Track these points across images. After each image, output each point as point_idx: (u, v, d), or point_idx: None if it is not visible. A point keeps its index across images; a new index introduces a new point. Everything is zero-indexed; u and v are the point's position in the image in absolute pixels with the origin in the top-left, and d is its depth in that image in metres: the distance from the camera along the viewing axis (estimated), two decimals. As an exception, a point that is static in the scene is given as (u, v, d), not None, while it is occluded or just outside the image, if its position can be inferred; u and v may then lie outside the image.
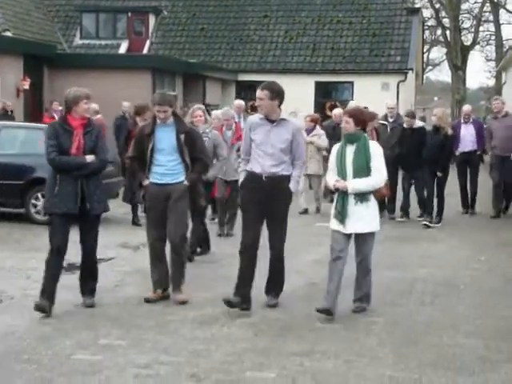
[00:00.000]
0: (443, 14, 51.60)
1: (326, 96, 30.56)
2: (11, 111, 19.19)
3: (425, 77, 57.02)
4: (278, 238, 7.44)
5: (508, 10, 51.02)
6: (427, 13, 50.80)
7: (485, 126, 15.52)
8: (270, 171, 7.31)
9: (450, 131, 13.26)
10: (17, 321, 6.89)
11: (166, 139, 7.61)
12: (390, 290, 8.41)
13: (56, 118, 17.90)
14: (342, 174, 7.11)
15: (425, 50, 50.77)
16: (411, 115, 13.90)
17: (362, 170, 7.04)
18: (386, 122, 14.09)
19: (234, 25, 32.73)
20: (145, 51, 32.39)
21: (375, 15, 31.76)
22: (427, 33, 53.06)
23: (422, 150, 13.16)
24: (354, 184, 7.03)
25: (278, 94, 7.30)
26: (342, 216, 7.08)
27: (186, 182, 7.68)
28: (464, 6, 51.88)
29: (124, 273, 9.04)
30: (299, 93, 27.34)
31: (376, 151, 7.16)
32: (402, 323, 7.10)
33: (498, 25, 49.67)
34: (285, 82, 32.60)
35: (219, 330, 6.72)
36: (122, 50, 32.49)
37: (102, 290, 7.66)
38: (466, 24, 54.54)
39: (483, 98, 71.86)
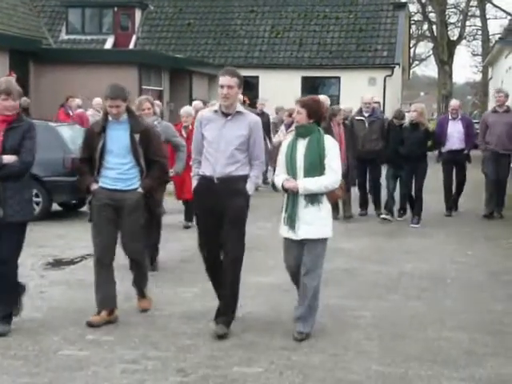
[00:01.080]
0: (430, 8, 51.72)
1: (312, 91, 30.54)
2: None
3: (411, 72, 57.28)
4: (232, 248, 6.42)
5: (494, 5, 51.13)
6: (413, 7, 50.98)
7: (475, 121, 15.40)
8: (222, 172, 6.40)
9: (430, 127, 12.89)
10: (3, 317, 6.86)
11: (118, 139, 6.70)
12: (377, 285, 8.44)
13: (71, 114, 17.69)
14: (291, 171, 6.31)
15: (411, 45, 50.94)
16: (400, 117, 13.25)
17: (315, 167, 6.24)
18: (362, 118, 13.67)
19: (220, 20, 32.70)
20: (131, 46, 32.33)
21: (362, 10, 31.81)
22: (414, 28, 53.27)
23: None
24: (305, 184, 6.21)
25: (242, 82, 6.46)
26: (292, 220, 6.29)
27: (140, 189, 6.78)
28: (450, 1, 52.09)
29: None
30: (286, 88, 27.41)
31: (331, 147, 6.31)
32: (389, 317, 7.12)
33: (484, 19, 49.76)
34: (271, 77, 32.68)
35: (207, 326, 6.72)
36: (108, 45, 32.42)
37: (88, 286, 7.63)
38: (453, 19, 54.73)
39: (470, 92, 72.13)
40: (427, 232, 12.05)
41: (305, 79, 30.25)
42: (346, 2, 32.16)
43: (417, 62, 63.57)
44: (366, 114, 13.72)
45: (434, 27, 51.03)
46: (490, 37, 48.69)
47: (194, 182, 6.63)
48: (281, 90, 27.15)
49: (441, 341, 6.39)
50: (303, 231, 6.29)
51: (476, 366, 5.76)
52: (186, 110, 12.30)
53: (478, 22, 53.33)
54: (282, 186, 6.33)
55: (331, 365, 5.75)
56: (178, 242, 10.61)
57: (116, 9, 33.23)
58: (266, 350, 6.05)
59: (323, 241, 6.42)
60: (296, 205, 6.30)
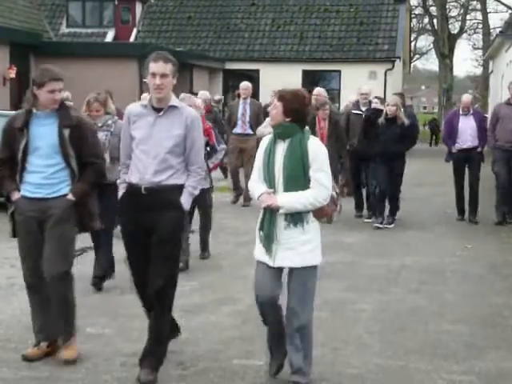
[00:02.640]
0: (430, 2, 51.68)
1: (313, 85, 30.50)
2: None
3: (412, 65, 57.18)
4: (159, 275, 5.24)
5: (495, -1, 51.06)
6: (414, 1, 50.96)
7: (486, 115, 14.71)
8: (151, 180, 5.24)
9: (406, 121, 11.55)
10: (3, 310, 6.87)
11: (44, 135, 5.52)
12: (377, 278, 8.43)
13: None
14: (268, 182, 5.03)
15: (412, 39, 50.87)
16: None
17: (296, 179, 4.96)
18: (360, 112, 12.71)
19: (221, 13, 32.63)
20: (131, 39, 32.27)
21: (362, 3, 31.73)
22: (414, 21, 53.22)
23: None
24: (286, 200, 4.93)
25: (177, 70, 5.40)
26: (269, 242, 5.03)
27: (70, 196, 5.56)
28: (451, -5, 51.93)
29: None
30: (287, 81, 27.16)
31: (318, 153, 4.99)
32: (389, 311, 7.12)
33: (485, 13, 49.74)
34: (272, 70, 32.70)
35: (207, 319, 6.72)
36: (109, 38, 32.37)
37: (86, 279, 7.63)
38: (454, 12, 54.73)
39: (470, 86, 72.06)
40: (427, 225, 12.05)
41: (305, 73, 30.18)
42: (346, -5, 32.08)
43: (417, 56, 63.57)
44: (364, 108, 12.82)
45: (435, 21, 50.98)
46: (491, 30, 48.66)
47: (121, 191, 5.48)
48: (281, 83, 26.63)
49: (441, 334, 6.39)
50: (282, 258, 5.02)
51: (476, 359, 5.76)
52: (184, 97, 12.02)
53: (478, 15, 53.37)
54: (259, 200, 5.07)
55: (331, 358, 5.75)
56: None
57: (116, 2, 33.16)
58: (265, 343, 6.03)
59: (311, 270, 5.12)
60: (274, 224, 5.02)
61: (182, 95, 8.79)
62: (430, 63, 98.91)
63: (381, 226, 11.59)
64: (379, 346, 6.08)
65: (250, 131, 13.85)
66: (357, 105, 13.15)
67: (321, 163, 4.99)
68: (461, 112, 12.51)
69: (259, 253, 5.15)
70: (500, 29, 30.95)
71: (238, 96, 17.38)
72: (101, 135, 7.33)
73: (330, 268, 8.90)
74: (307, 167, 4.95)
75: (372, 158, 12.02)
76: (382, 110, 11.73)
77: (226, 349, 5.91)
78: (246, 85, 14.63)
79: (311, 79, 30.01)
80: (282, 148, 5.02)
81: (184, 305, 7.14)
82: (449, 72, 51.07)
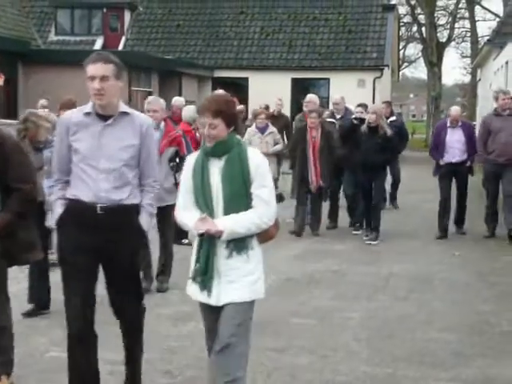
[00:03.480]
0: (419, 10, 51.83)
1: (302, 93, 30.60)
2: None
3: (401, 73, 57.38)
4: (128, 309, 4.87)
5: (483, 7, 51.41)
6: (403, 9, 51.12)
7: (475, 124, 14.26)
8: (108, 199, 4.58)
9: (388, 132, 11.12)
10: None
11: None
12: (366, 286, 8.45)
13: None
14: (204, 205, 4.27)
15: (400, 47, 51.10)
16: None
17: (238, 199, 4.24)
18: (333, 120, 12.49)
19: (210, 21, 32.69)
20: (120, 47, 32.28)
21: (351, 12, 31.86)
22: (403, 29, 53.42)
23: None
24: (227, 224, 4.18)
25: (122, 71, 4.72)
26: (207, 277, 4.26)
27: None
28: (439, 3, 52.19)
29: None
30: (276, 89, 27.37)
31: (260, 166, 4.27)
32: (377, 318, 7.13)
33: (473, 21, 49.98)
34: (261, 78, 32.67)
35: (195, 327, 6.71)
36: (98, 46, 32.36)
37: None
38: (442, 21, 54.92)
39: (459, 94, 72.39)
40: (415, 233, 12.08)
41: (294, 81, 30.26)
42: (335, 3, 32.19)
43: (406, 64, 63.78)
44: (338, 116, 12.67)
45: (423, 29, 51.14)
46: (479, 39, 48.90)
47: (58, 209, 4.70)
48: (271, 91, 27.12)
49: (428, 342, 6.41)
50: (225, 294, 4.25)
51: (463, 367, 5.78)
52: (152, 100, 11.17)
53: (466, 23, 53.64)
54: (197, 229, 4.22)
55: (320, 366, 5.76)
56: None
57: (105, 10, 33.17)
58: (254, 351, 6.01)
59: (251, 304, 4.39)
60: (214, 254, 4.26)
61: (150, 98, 8.23)
62: (418, 71, 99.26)
63: (374, 242, 11.10)
64: (367, 353, 6.09)
65: None
66: (332, 113, 13.04)
67: (263, 178, 4.27)
68: (449, 124, 11.93)
69: (195, 292, 4.37)
70: (488, 37, 31.11)
71: None
72: (47, 152, 6.86)
73: (318, 275, 8.93)
74: (249, 184, 4.24)
75: (351, 168, 11.83)
76: (364, 119, 11.35)
77: (215, 357, 5.90)
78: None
79: (300, 87, 30.10)
80: (217, 166, 4.26)
81: (172, 313, 7.14)
82: (437, 80, 51.22)
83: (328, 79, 30.17)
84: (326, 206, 12.58)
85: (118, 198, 4.61)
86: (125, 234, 4.64)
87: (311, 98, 12.85)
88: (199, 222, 4.20)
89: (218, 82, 30.66)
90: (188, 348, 6.11)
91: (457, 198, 12.17)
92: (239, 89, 30.05)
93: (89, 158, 4.58)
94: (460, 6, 52.26)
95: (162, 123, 7.98)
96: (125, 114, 4.67)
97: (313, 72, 30.35)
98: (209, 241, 4.25)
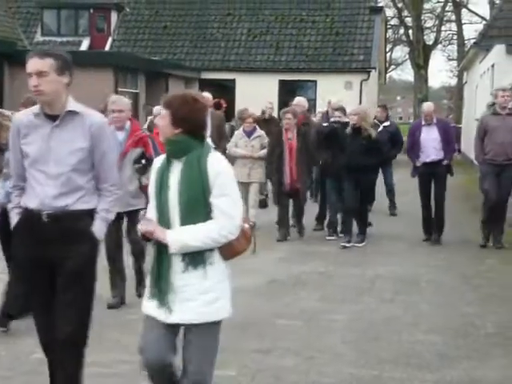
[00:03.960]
0: (406, 13, 52.02)
1: (289, 95, 30.63)
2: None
3: (388, 76, 57.51)
4: (71, 321, 4.38)
5: (470, 10, 51.82)
6: (390, 12, 51.25)
7: (452, 125, 14.07)
8: (54, 205, 4.30)
9: (373, 133, 10.95)
10: (-25, 320, 6.80)
11: None
12: (352, 288, 8.46)
13: None
14: (161, 214, 3.95)
15: (387, 49, 51.23)
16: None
17: (195, 208, 3.87)
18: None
19: (196, 22, 32.67)
20: (107, 48, 32.22)
21: (338, 14, 31.92)
22: (390, 32, 53.56)
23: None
24: (178, 236, 3.85)
25: (67, 66, 4.41)
26: (161, 291, 3.94)
27: None
28: (426, 6, 52.38)
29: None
30: (263, 91, 27.44)
31: (220, 173, 3.92)
32: (363, 320, 7.14)
33: (459, 24, 50.22)
34: (248, 80, 32.65)
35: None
36: (84, 47, 32.28)
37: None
38: (429, 23, 55.11)
39: (445, 96, 72.67)
40: (401, 235, 12.10)
41: (282, 83, 30.28)
42: (322, 5, 32.24)
43: (393, 67, 63.93)
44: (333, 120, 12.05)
45: (410, 32, 51.32)
46: (466, 41, 49.13)
47: (14, 218, 4.50)
48: (258, 93, 27.16)
49: (414, 344, 6.42)
50: (178, 312, 3.91)
51: (449, 369, 5.80)
52: (116, 100, 10.52)
53: (453, 26, 53.86)
54: (145, 233, 3.95)
55: (305, 368, 5.75)
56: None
57: (92, 10, 33.08)
58: (239, 353, 6.04)
59: (215, 326, 4.04)
60: (169, 267, 3.93)
61: (114, 97, 7.69)
62: (405, 74, 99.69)
63: (348, 245, 10.85)
64: (353, 355, 6.09)
65: (212, 145, 13.22)
66: (327, 118, 12.72)
67: (224, 186, 3.88)
68: (423, 122, 11.48)
69: (149, 305, 4.01)
70: (474, 40, 31.23)
71: (214, 106, 17.05)
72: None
73: (304, 277, 8.94)
74: (208, 192, 3.86)
75: (336, 172, 11.37)
76: (345, 122, 11.12)
77: (200, 359, 5.89)
78: (207, 97, 13.60)
79: (288, 89, 30.13)
80: (176, 169, 3.94)
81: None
82: (424, 82, 51.39)
83: (315, 81, 30.20)
84: (314, 208, 12.63)
85: (63, 204, 4.32)
86: (73, 242, 4.34)
87: (299, 100, 12.72)
88: (143, 225, 3.93)
89: (205, 84, 30.66)
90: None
91: (434, 201, 11.56)
92: (226, 90, 30.04)
93: (38, 162, 4.33)
94: (447, 8, 52.57)
95: (128, 123, 7.57)
96: (73, 113, 4.36)
97: (300, 74, 30.38)
98: (163, 253, 3.92)
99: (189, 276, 3.90)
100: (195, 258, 3.90)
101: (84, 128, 4.35)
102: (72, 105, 4.39)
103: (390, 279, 8.97)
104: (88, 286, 4.50)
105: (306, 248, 10.81)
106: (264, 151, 12.04)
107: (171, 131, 3.94)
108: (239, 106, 22.78)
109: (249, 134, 12.32)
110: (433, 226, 11.56)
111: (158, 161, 4.12)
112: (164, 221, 3.93)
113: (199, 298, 3.91)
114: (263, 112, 15.17)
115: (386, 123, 14.50)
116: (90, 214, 4.43)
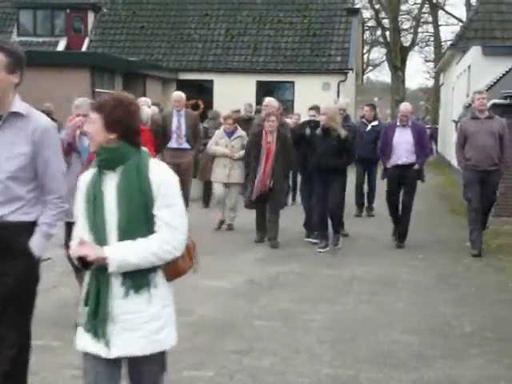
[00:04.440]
0: (383, 14, 52.27)
1: (267, 96, 30.60)
2: None
3: (365, 77, 57.81)
4: (10, 342, 4.03)
5: (447, 12, 51.94)
6: (367, 13, 51.51)
7: (427, 126, 13.82)
8: None
9: (343, 133, 10.51)
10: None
11: None
12: (329, 288, 8.48)
13: None
14: (96, 231, 3.47)
15: (365, 51, 51.45)
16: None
17: (136, 223, 3.43)
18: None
19: (174, 23, 32.59)
20: (84, 49, 32.05)
21: (316, 15, 31.97)
22: (367, 33, 53.87)
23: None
24: (116, 252, 3.39)
25: (19, 65, 4.01)
26: (98, 322, 3.45)
27: None
28: (403, 7, 52.68)
29: (61, 273, 8.91)
30: (241, 92, 27.44)
31: (164, 182, 3.48)
32: (340, 321, 7.16)
33: (436, 26, 50.53)
34: (226, 81, 32.58)
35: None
36: (61, 47, 32.09)
37: (39, 291, 7.53)
38: (406, 25, 55.41)
39: (422, 98, 73.02)
40: (379, 236, 12.14)
41: (259, 84, 30.27)
42: (300, 7, 32.28)
43: (370, 68, 64.22)
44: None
45: (387, 33, 51.60)
46: (442, 43, 49.45)
47: None
48: (235, 94, 27.16)
49: (391, 344, 6.44)
50: (120, 344, 3.45)
51: (425, 368, 5.82)
52: (80, 103, 10.87)
53: (430, 28, 54.19)
54: (76, 254, 3.42)
55: (282, 368, 5.76)
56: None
57: (68, 11, 32.89)
58: (217, 354, 6.03)
59: (160, 357, 3.59)
60: (106, 293, 3.44)
61: (79, 101, 6.96)
62: (382, 75, 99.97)
63: (323, 250, 10.56)
64: (330, 355, 6.10)
65: (187, 145, 12.68)
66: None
67: (168, 196, 3.46)
68: (398, 123, 11.14)
69: (84, 340, 3.54)
70: (451, 42, 31.44)
71: (192, 107, 17.02)
72: None
73: (282, 278, 8.95)
74: (150, 204, 3.44)
75: (305, 175, 11.32)
76: (317, 121, 10.83)
77: (177, 360, 5.86)
78: (178, 95, 13.05)
79: (265, 90, 30.15)
80: (112, 181, 3.48)
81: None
82: (401, 84, 51.69)
83: (293, 82, 30.23)
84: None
85: None
86: (9, 258, 3.95)
87: (270, 101, 12.42)
88: (79, 247, 3.39)
89: (183, 85, 30.62)
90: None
91: (402, 206, 11.22)
92: (204, 91, 30.00)
93: None
94: (423, 10, 52.85)
95: None
96: (18, 114, 3.96)
97: (278, 75, 30.39)
98: (98, 275, 3.42)
99: (130, 302, 3.42)
100: (137, 280, 3.42)
101: (27, 132, 3.95)
102: (18, 106, 3.99)
103: (367, 280, 8.99)
104: (26, 307, 4.10)
105: (283, 249, 10.81)
106: (243, 152, 11.99)
107: (105, 137, 3.49)
108: (217, 106, 22.81)
109: (229, 134, 12.27)
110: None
111: (86, 175, 3.60)
112: (99, 242, 3.41)
113: (143, 327, 3.44)
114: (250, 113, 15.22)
115: (374, 123, 14.33)
116: (29, 227, 4.02)
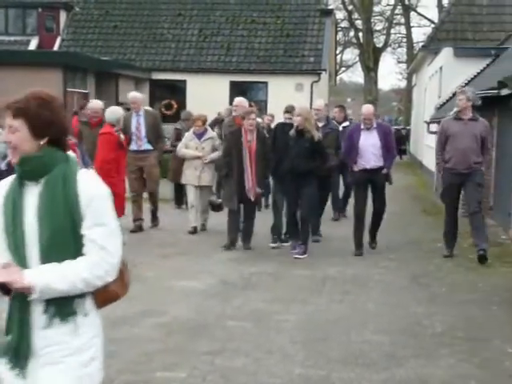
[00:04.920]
0: (356, 15, 52.53)
1: (241, 96, 30.55)
2: None
3: (338, 78, 58.01)
4: None
5: (419, 13, 52.37)
6: (340, 14, 51.71)
7: (397, 128, 13.48)
8: None
9: (317, 135, 10.30)
10: None
11: None
12: (302, 289, 8.50)
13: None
14: (15, 251, 3.00)
15: (338, 52, 51.66)
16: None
17: (61, 241, 2.96)
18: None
19: (147, 23, 32.47)
20: (55, 48, 31.83)
21: (289, 16, 32.02)
22: (340, 34, 54.03)
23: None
24: (40, 276, 2.91)
25: None
26: (19, 355, 3.00)
27: None
28: (376, 9, 53.02)
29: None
30: (214, 92, 27.43)
31: (95, 196, 3.01)
32: (313, 321, 7.18)
33: (409, 27, 50.92)
34: (199, 81, 32.51)
35: (130, 331, 6.66)
36: (32, 46, 31.84)
37: None
38: (378, 26, 55.77)
39: (395, 99, 73.46)
40: (350, 237, 12.16)
41: (233, 84, 30.25)
42: (273, 7, 32.31)
43: (343, 69, 64.48)
44: (320, 124, 11.70)
45: (360, 34, 51.88)
46: (414, 44, 49.85)
47: None
48: (209, 94, 27.15)
49: (363, 343, 6.47)
50: (45, 379, 3.00)
51: (396, 368, 5.86)
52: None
53: (402, 29, 54.59)
54: None
55: (254, 369, 5.76)
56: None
57: (40, 10, 32.63)
58: (189, 355, 6.03)
59: None
60: (27, 322, 2.99)
61: None
62: (355, 76, 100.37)
63: (301, 256, 10.26)
64: (302, 355, 6.12)
65: (148, 146, 12.21)
66: (327, 119, 12.30)
67: (99, 213, 3.00)
68: (362, 126, 10.65)
69: (5, 374, 3.04)
70: (423, 43, 31.66)
71: (165, 107, 16.90)
72: None
73: (255, 279, 8.96)
74: (78, 221, 2.97)
75: (278, 177, 10.91)
76: (291, 124, 10.59)
77: (149, 361, 5.87)
78: (133, 97, 12.54)
79: (239, 90, 30.13)
80: (33, 194, 3.00)
81: (107, 317, 7.02)
82: (374, 85, 51.98)
83: (266, 83, 30.25)
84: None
85: None
86: None
87: (240, 101, 12.19)
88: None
89: (156, 84, 30.54)
90: (123, 352, 6.05)
91: (373, 211, 11.00)
92: (177, 91, 29.97)
93: None
94: (396, 12, 53.25)
95: None
96: None
97: (251, 75, 30.39)
98: (18, 300, 2.97)
99: (54, 333, 2.98)
100: (62, 308, 2.98)
101: None
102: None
103: (340, 280, 9.03)
104: None
105: (256, 249, 10.82)
106: (215, 154, 11.82)
107: (34, 145, 3.01)
108: (190, 106, 22.76)
109: (199, 135, 12.04)
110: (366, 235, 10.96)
111: (4, 185, 3.11)
112: (19, 263, 2.95)
113: (69, 360, 3.01)
114: (219, 114, 15.03)
115: (345, 123, 14.30)
116: None
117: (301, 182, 10.30)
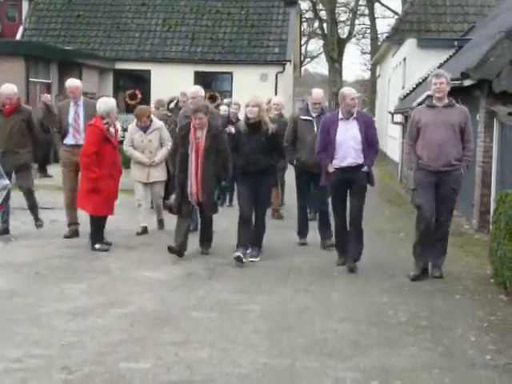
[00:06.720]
0: (320, 6, 52.61)
1: (205, 86, 30.45)
2: None
3: (303, 69, 58.06)
4: None
5: (383, 4, 52.53)
6: (305, 5, 51.77)
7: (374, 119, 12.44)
8: None
9: (271, 128, 9.35)
10: None
11: None
12: (267, 278, 8.50)
13: None
14: None
15: (303, 42, 51.67)
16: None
17: None
18: (310, 118, 10.57)
19: (111, 12, 32.21)
20: (18, 37, 31.44)
21: (254, 6, 31.96)
22: (305, 25, 54.15)
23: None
24: None
25: None
26: None
27: None
28: (340, 0, 53.09)
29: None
30: (179, 82, 27.22)
31: None
32: (277, 311, 7.18)
33: (373, 18, 51.09)
34: (164, 71, 32.44)
35: (94, 322, 6.61)
36: (-6, 35, 31.47)
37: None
38: (343, 17, 55.93)
39: (359, 90, 73.72)
40: (315, 226, 12.19)
41: (197, 74, 30.15)
42: (238, -3, 32.25)
43: (308, 60, 64.57)
44: (315, 115, 10.59)
45: (325, 25, 51.96)
46: (379, 35, 50.05)
47: None
48: (173, 84, 26.95)
49: (327, 332, 6.49)
50: None
51: (361, 357, 5.88)
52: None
53: (366, 20, 54.79)
54: None
55: (219, 359, 5.75)
56: (67, 239, 10.46)
57: (2, -1, 32.28)
58: (153, 346, 6.00)
59: None
60: None
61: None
62: (320, 67, 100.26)
63: (255, 259, 9.50)
64: (267, 345, 6.12)
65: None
66: (306, 109, 10.78)
67: None
68: (340, 115, 9.03)
69: None
70: (387, 34, 31.81)
71: (130, 97, 16.56)
72: None
73: (220, 269, 8.93)
74: None
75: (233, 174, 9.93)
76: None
77: (113, 352, 5.83)
78: (72, 85, 10.87)
79: (203, 81, 30.03)
80: None
81: (71, 308, 7.01)
82: (338, 76, 52.14)
83: (231, 73, 30.20)
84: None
85: None
86: None
87: (197, 91, 11.07)
88: None
89: (120, 74, 30.34)
90: (86, 343, 6.00)
91: (351, 217, 9.19)
92: (141, 81, 29.79)
93: None
94: (360, 3, 53.43)
95: None
96: None
97: (216, 66, 30.32)
98: None
99: None
100: None
101: None
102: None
103: (304, 270, 9.05)
104: None
105: (218, 240, 10.79)
106: (163, 151, 11.25)
107: None
108: (155, 96, 22.61)
109: (144, 129, 11.29)
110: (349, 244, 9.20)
111: None
112: None
113: None
114: (171, 100, 13.99)
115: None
116: None
117: (256, 180, 9.38)
